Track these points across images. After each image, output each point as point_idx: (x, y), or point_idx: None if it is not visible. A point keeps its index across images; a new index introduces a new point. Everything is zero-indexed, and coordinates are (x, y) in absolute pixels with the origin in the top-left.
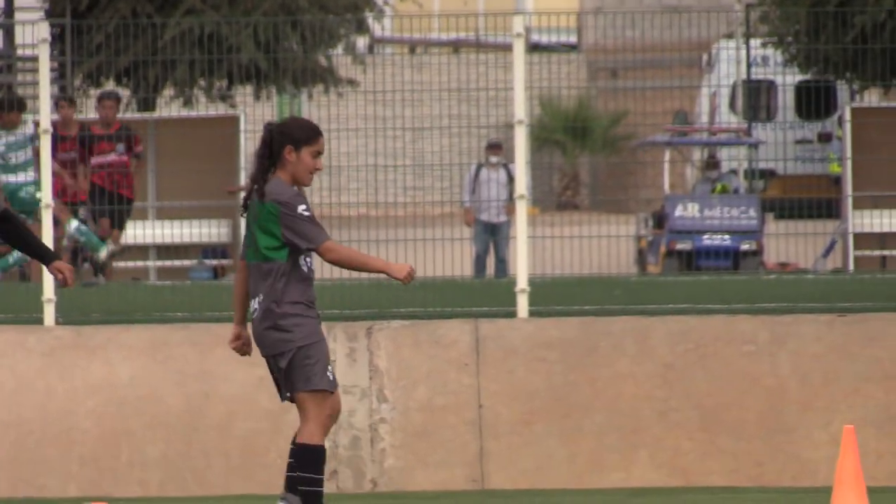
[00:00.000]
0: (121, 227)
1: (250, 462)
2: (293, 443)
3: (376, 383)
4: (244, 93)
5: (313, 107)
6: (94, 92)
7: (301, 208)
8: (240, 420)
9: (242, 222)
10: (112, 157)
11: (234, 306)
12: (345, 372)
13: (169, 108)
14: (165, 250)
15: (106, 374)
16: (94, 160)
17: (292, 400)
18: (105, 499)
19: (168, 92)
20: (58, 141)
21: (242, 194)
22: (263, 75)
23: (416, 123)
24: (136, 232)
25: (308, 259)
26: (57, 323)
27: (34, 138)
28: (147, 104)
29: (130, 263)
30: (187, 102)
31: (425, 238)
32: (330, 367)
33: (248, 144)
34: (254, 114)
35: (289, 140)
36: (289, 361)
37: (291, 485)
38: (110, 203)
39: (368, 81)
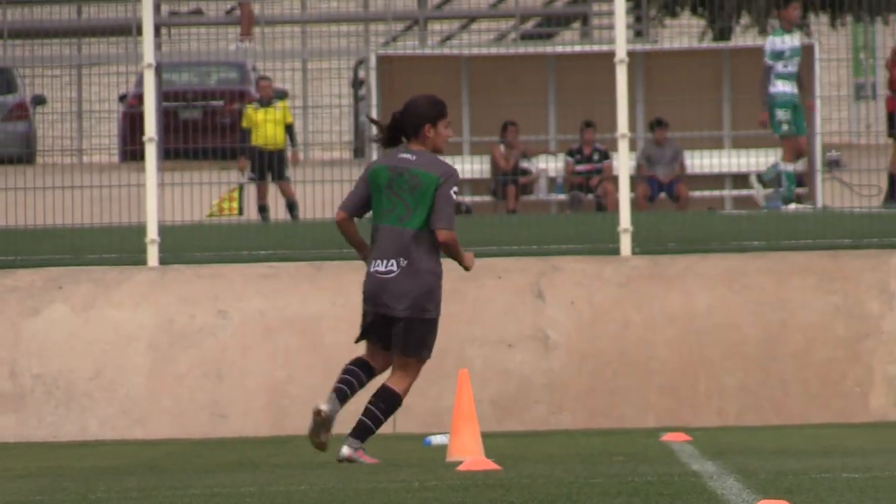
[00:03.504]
0: None
1: (828, 390)
2: (382, 387)
3: None
4: (818, 21)
5: (888, 35)
6: (669, 22)
7: (455, 189)
8: (817, 348)
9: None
10: None
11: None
12: None
13: (744, 37)
14: (742, 179)
15: (683, 303)
16: None
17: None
18: (682, 429)
19: (744, 21)
20: None
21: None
22: (839, 4)
23: None
24: (711, 161)
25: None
26: (633, 253)
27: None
28: (723, 34)
29: (706, 193)
30: (762, 31)
31: None
32: None
33: (823, 74)
34: (828, 43)
35: (425, 119)
36: (416, 325)
37: (362, 430)
38: None
39: None
